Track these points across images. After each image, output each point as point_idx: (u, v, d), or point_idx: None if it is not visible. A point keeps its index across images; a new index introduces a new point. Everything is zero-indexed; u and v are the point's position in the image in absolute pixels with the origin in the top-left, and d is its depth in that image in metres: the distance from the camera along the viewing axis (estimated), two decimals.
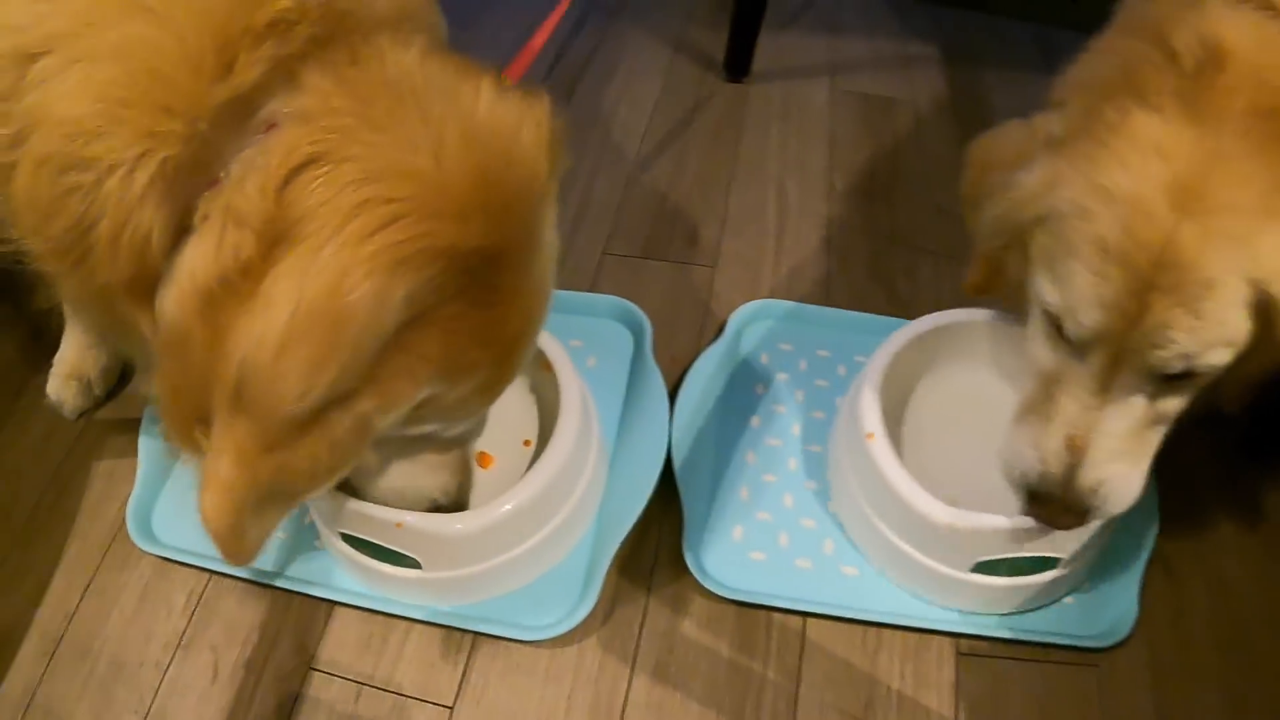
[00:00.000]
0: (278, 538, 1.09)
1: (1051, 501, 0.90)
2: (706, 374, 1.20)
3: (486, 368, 0.77)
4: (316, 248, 0.64)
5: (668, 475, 1.10)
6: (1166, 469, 1.12)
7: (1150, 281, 0.78)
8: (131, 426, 1.21)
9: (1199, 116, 0.78)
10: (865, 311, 1.31)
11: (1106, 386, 0.86)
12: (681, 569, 1.05)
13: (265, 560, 1.07)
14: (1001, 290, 1.02)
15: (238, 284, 0.65)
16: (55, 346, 1.26)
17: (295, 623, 1.04)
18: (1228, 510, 1.15)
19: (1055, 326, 0.88)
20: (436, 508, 0.95)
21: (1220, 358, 0.81)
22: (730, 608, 1.04)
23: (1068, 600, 1.05)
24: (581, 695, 0.98)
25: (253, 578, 1.07)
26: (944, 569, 1.00)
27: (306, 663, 1.01)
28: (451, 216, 0.66)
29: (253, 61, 0.65)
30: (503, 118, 0.71)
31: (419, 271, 0.66)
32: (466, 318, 0.71)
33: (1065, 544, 0.96)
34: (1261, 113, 0.77)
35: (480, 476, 1.05)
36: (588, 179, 1.56)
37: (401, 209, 0.65)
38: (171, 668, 1.02)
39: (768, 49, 1.80)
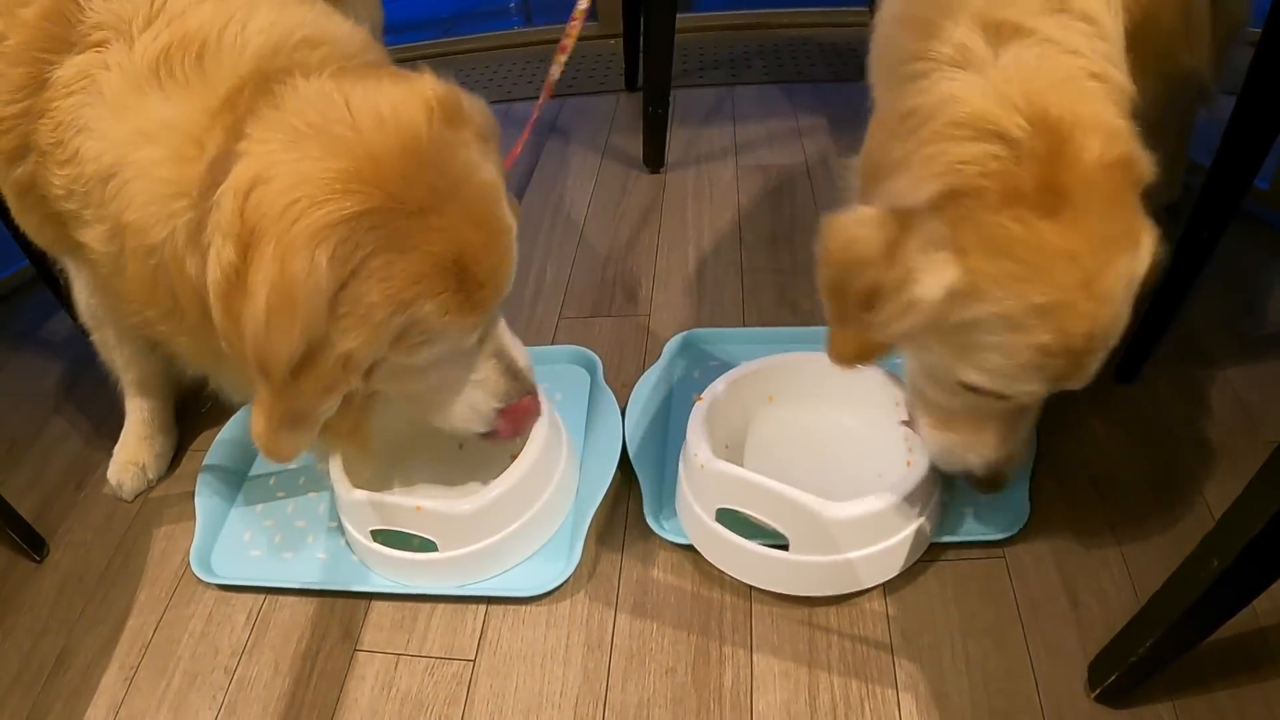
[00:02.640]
0: (319, 558, 1.37)
1: (985, 481, 1.15)
2: (649, 387, 1.51)
3: (436, 295, 0.97)
4: (266, 246, 0.90)
5: (627, 467, 1.39)
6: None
7: (1084, 352, 0.94)
8: (184, 499, 1.49)
9: (1074, 212, 0.89)
10: (776, 326, 1.65)
11: (1026, 412, 1.09)
12: (646, 533, 1.33)
13: (311, 574, 1.35)
14: (871, 361, 1.16)
15: (235, 281, 0.93)
16: (106, 450, 1.56)
17: (340, 618, 1.30)
18: (1105, 424, 1.41)
19: (972, 388, 1.03)
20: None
21: None
22: (689, 554, 1.31)
23: (965, 510, 1.30)
24: (577, 635, 1.24)
25: (303, 586, 1.33)
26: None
27: (351, 647, 1.26)
28: (345, 193, 0.90)
29: (213, 137, 0.96)
30: (388, 103, 0.95)
31: (329, 238, 0.90)
32: (394, 264, 0.94)
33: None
34: (1100, 183, 0.90)
35: (481, 482, 1.33)
36: (541, 262, 1.92)
37: (309, 199, 0.90)
38: (238, 670, 1.26)
39: (679, 143, 2.23)
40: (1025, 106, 0.91)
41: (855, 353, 1.13)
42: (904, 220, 0.96)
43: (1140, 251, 0.94)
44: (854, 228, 0.99)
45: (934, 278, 0.94)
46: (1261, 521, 0.81)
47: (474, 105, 1.04)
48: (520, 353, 1.19)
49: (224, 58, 1.01)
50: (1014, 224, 0.90)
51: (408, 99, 0.97)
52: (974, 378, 1.01)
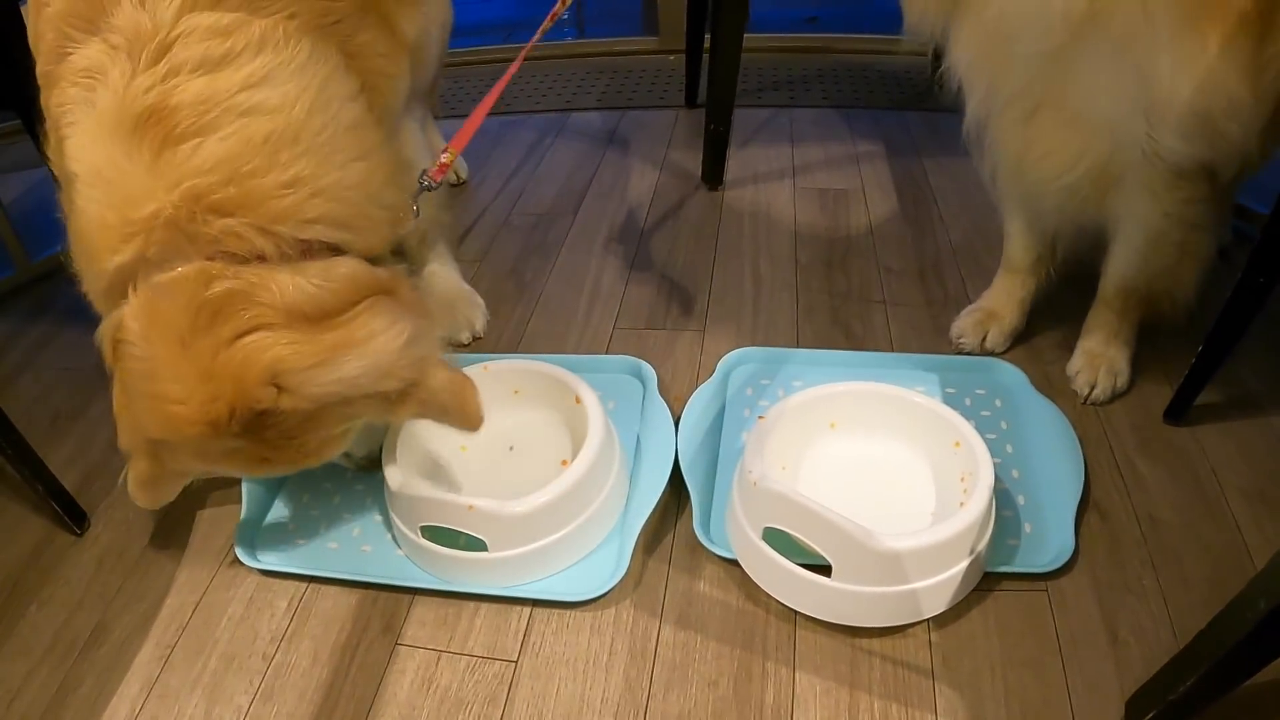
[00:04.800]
0: (363, 550, 1.45)
1: None
2: (703, 401, 1.58)
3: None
4: (118, 385, 1.19)
5: (677, 480, 1.45)
6: (1092, 433, 1.51)
7: None
8: (229, 483, 1.56)
9: None
10: (829, 349, 1.73)
11: None
12: (694, 546, 1.39)
13: (355, 566, 1.41)
14: None
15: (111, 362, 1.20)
16: None
17: (382, 611, 1.36)
18: (1151, 464, 1.47)
19: None
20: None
21: None
22: (736, 570, 1.36)
23: (1011, 541, 1.36)
24: (621, 643, 1.30)
25: (347, 577, 1.40)
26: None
27: (393, 641, 1.32)
28: (160, 421, 1.13)
29: (129, 248, 1.12)
30: (213, 374, 1.11)
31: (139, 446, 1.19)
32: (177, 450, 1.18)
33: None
34: None
35: (531, 485, 1.36)
36: (596, 272, 2.01)
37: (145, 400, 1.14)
38: (277, 656, 1.31)
39: (737, 162, 2.32)
40: None
41: None
42: None
43: None
44: None
45: None
46: None
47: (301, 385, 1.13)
48: None
49: (178, 157, 1.11)
50: None
51: (235, 378, 1.11)
52: None
